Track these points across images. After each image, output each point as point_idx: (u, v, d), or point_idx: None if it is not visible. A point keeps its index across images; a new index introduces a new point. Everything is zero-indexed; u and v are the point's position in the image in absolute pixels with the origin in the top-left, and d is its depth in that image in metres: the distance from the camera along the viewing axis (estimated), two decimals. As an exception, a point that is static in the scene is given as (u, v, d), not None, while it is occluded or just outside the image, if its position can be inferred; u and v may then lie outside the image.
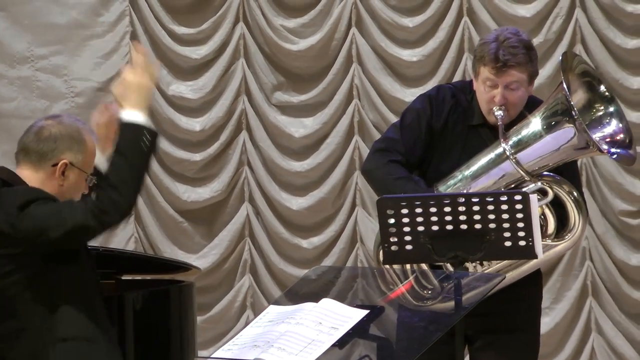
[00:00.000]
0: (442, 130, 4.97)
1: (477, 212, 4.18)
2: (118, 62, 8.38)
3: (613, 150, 4.85)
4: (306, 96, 7.93)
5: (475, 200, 4.25)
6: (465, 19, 7.74)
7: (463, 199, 4.36)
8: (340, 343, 3.71)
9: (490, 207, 4.13)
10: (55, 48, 8.96)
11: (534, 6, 7.73)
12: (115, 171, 3.72)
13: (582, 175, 8.02)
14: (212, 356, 4.78)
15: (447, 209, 4.17)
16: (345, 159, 7.90)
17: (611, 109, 4.88)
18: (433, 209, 4.18)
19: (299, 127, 8.19)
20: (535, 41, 8.07)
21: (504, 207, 4.18)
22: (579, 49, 7.85)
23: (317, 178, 8.53)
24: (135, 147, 3.71)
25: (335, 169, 8.00)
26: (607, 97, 5.01)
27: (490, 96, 4.74)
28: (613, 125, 4.80)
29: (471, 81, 5.03)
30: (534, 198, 4.44)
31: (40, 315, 3.72)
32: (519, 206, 4.17)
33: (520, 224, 4.21)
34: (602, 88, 4.95)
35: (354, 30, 7.95)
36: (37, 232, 3.61)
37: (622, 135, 4.86)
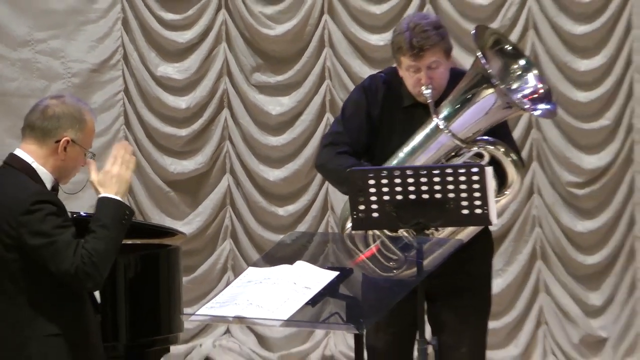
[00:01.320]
0: (380, 116, 5.45)
1: (437, 183, 4.67)
2: (111, 46, 8.81)
3: (537, 107, 5.23)
4: (282, 77, 8.65)
5: (435, 172, 4.69)
6: (428, 6, 8.28)
7: (425, 172, 4.79)
8: (313, 301, 4.15)
9: (450, 179, 4.61)
10: (53, 32, 9.50)
11: (491, -6, 11.77)
12: (98, 243, 3.86)
13: (533, 151, 8.72)
14: (197, 313, 4.99)
15: (410, 180, 4.61)
16: (317, 135, 8.64)
17: (522, 62, 5.36)
18: (397, 180, 4.64)
19: (276, 105, 8.84)
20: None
21: (462, 178, 4.63)
22: (531, 34, 8.39)
23: (292, 152, 9.11)
24: (118, 223, 3.95)
25: (309, 144, 8.70)
26: (517, 54, 5.48)
27: (416, 79, 5.10)
28: (531, 82, 5.22)
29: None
30: (489, 170, 4.86)
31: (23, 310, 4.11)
32: (475, 177, 4.59)
33: (477, 194, 4.67)
34: (509, 48, 5.31)
35: (326, 17, 8.55)
36: (38, 249, 3.77)
37: (541, 90, 5.21)
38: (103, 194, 4.18)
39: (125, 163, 4.16)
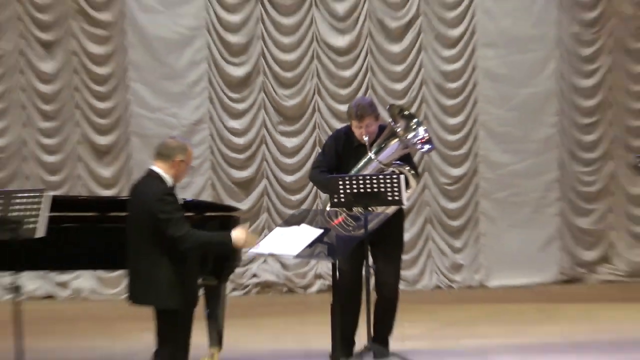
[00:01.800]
0: (342, 151, 8.05)
1: (374, 183, 7.48)
2: (202, 111, 11.77)
3: (424, 147, 8.05)
4: (293, 127, 12.00)
5: (374, 177, 7.48)
6: (370, 91, 11.61)
7: (368, 178, 7.54)
8: (310, 244, 6.49)
9: (382, 181, 7.42)
10: (172, 104, 11.92)
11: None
12: (204, 238, 6.67)
13: (421, 165, 11.31)
14: (250, 251, 7.41)
15: (360, 182, 7.43)
16: (311, 160, 11.38)
17: (415, 121, 8.00)
18: (353, 182, 7.48)
19: (290, 142, 12.01)
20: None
21: (388, 180, 7.34)
22: (424, 106, 11.74)
23: (298, 167, 11.90)
24: (219, 245, 6.85)
25: (306, 164, 11.60)
26: (412, 117, 8.14)
27: (360, 132, 7.90)
28: (420, 133, 7.87)
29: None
30: (402, 177, 7.39)
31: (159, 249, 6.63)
32: (395, 180, 7.27)
33: (395, 189, 7.37)
34: (408, 113, 8.16)
35: (317, 97, 11.77)
36: (168, 225, 6.38)
37: (426, 137, 7.94)
38: (233, 236, 6.75)
39: (247, 244, 6.87)
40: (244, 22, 12.26)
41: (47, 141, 12.29)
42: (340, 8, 12.15)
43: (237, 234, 6.94)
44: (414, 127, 8.19)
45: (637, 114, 12.19)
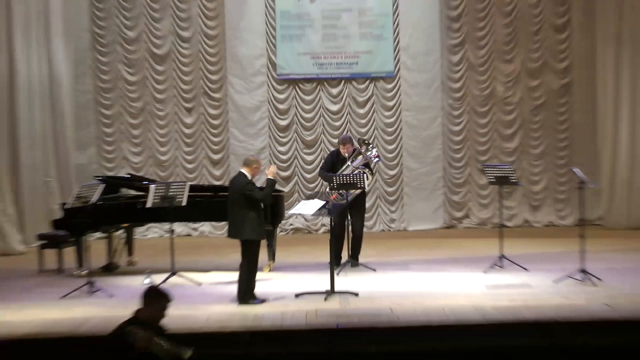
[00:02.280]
0: (335, 161, 11.09)
1: (350, 178, 10.88)
2: (262, 139, 16.29)
3: (375, 160, 11.41)
4: (310, 151, 17.14)
5: (350, 175, 10.84)
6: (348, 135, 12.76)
7: (348, 175, 11.00)
8: (319, 209, 9.77)
9: (354, 177, 10.78)
10: (250, 137, 16.62)
11: None
12: (265, 191, 9.24)
13: (374, 169, 12.34)
14: (289, 212, 10.70)
15: (344, 177, 10.72)
16: (320, 163, 13.17)
17: (370, 146, 11.55)
18: (340, 177, 10.73)
19: (309, 155, 16.91)
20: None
21: (357, 177, 10.71)
22: (378, 132, 15.51)
23: (316, 167, 15.14)
24: (269, 187, 9.26)
25: (318, 166, 14.21)
26: (368, 143, 11.45)
27: (343, 151, 11.08)
28: (373, 152, 11.48)
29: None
30: (364, 175, 10.85)
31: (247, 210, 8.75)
32: (361, 176, 10.66)
33: (361, 180, 10.55)
34: (366, 142, 11.49)
35: (322, 136, 15.89)
36: (250, 199, 9.08)
37: (376, 154, 11.49)
38: (269, 177, 8.91)
39: (272, 174, 8.95)
40: (286, 105, 16.30)
41: (187, 157, 15.92)
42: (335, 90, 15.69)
43: (269, 174, 9.30)
44: (370, 149, 11.20)
45: (484, 144, 16.18)
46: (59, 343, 8.88)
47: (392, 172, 15.87)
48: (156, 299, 7.26)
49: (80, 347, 8.21)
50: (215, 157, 15.66)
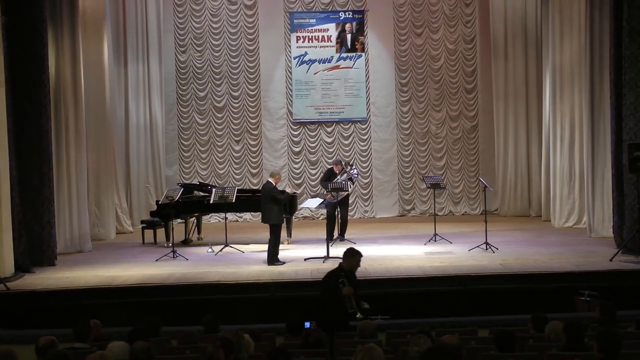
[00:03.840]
0: (330, 174, 15.01)
1: (340, 185, 14.04)
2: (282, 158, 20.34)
3: (355, 176, 15.34)
4: (316, 172, 21.23)
5: (340, 182, 14.98)
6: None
7: (338, 182, 14.24)
8: (319, 204, 14.62)
9: (342, 184, 14.69)
10: (275, 161, 20.63)
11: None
12: (283, 195, 12.14)
13: (356, 180, 15.95)
14: (301, 206, 15.33)
15: (335, 184, 14.87)
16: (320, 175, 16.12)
17: (352, 166, 15.71)
18: (333, 184, 14.68)
19: (312, 169, 22.01)
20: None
21: (344, 184, 14.63)
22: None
23: (318, 177, 19.57)
24: (288, 196, 11.91)
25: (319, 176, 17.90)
26: (351, 164, 15.84)
27: (335, 168, 15.25)
28: (355, 170, 15.79)
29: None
30: (349, 183, 15.42)
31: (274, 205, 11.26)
32: (347, 183, 14.79)
33: (346, 187, 14.67)
34: (349, 163, 15.88)
35: (320, 157, 19.71)
36: (275, 198, 12.21)
37: (356, 171, 15.85)
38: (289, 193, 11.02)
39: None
40: (299, 138, 18.82)
41: (236, 171, 18.06)
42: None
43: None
44: (352, 168, 13.48)
45: (423, 163, 19.35)
46: (152, 289, 11.03)
47: (365, 181, 17.59)
48: (353, 255, 7.43)
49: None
50: (254, 171, 17.48)
